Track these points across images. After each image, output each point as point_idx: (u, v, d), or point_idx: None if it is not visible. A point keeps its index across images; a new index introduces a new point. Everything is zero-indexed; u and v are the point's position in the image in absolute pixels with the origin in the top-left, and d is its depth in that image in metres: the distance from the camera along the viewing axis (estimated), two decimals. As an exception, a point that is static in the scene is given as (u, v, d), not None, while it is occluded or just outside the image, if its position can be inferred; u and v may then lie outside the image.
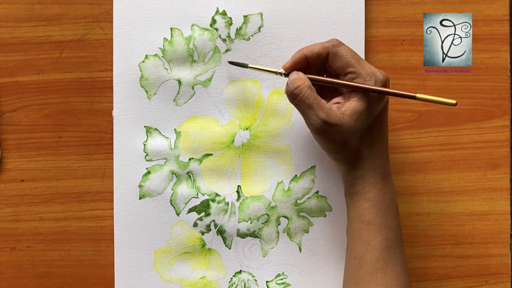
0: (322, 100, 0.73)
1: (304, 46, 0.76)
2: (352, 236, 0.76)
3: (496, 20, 0.86)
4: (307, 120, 0.74)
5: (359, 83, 0.72)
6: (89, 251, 0.85)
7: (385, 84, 0.73)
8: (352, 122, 0.72)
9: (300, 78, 0.74)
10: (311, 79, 0.74)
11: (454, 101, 0.70)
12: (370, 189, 0.74)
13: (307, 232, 0.85)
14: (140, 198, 0.84)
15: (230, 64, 0.83)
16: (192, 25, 0.83)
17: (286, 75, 0.76)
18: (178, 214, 0.84)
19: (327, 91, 0.76)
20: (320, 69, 0.77)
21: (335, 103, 0.73)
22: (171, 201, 0.84)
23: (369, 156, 0.74)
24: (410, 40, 0.86)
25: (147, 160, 0.84)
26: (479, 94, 0.86)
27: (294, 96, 0.73)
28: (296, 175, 0.85)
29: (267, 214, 0.85)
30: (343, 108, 0.72)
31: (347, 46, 0.74)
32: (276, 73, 0.78)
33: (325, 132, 0.73)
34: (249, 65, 0.81)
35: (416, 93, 0.72)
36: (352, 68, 0.73)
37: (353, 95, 0.73)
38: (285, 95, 0.75)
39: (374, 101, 0.73)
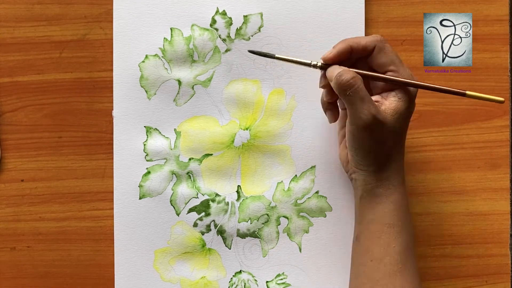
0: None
1: (348, 38, 0.74)
2: (369, 239, 0.75)
3: (496, 20, 0.86)
4: (356, 113, 0.71)
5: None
6: (89, 251, 0.85)
7: None
8: (393, 121, 0.71)
9: (349, 70, 0.72)
10: (358, 73, 0.72)
11: (502, 99, 0.71)
12: (393, 191, 0.74)
13: (307, 232, 0.85)
14: (140, 198, 0.84)
15: (231, 63, 0.83)
16: (192, 25, 0.83)
17: (322, 68, 0.74)
18: (178, 214, 0.84)
19: None
20: (353, 64, 0.75)
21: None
22: (171, 201, 0.84)
23: (396, 158, 0.74)
24: (410, 40, 0.86)
25: (147, 160, 0.84)
26: (479, 94, 0.86)
27: (348, 86, 0.70)
28: (296, 175, 0.85)
29: (267, 214, 0.85)
30: (383, 107, 0.72)
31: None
32: (309, 65, 0.75)
33: (371, 128, 0.71)
34: (276, 55, 0.77)
35: (465, 90, 0.72)
36: (394, 67, 0.72)
37: (392, 94, 0.72)
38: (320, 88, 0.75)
39: (412, 102, 0.73)
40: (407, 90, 0.73)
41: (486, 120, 0.87)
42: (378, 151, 0.73)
